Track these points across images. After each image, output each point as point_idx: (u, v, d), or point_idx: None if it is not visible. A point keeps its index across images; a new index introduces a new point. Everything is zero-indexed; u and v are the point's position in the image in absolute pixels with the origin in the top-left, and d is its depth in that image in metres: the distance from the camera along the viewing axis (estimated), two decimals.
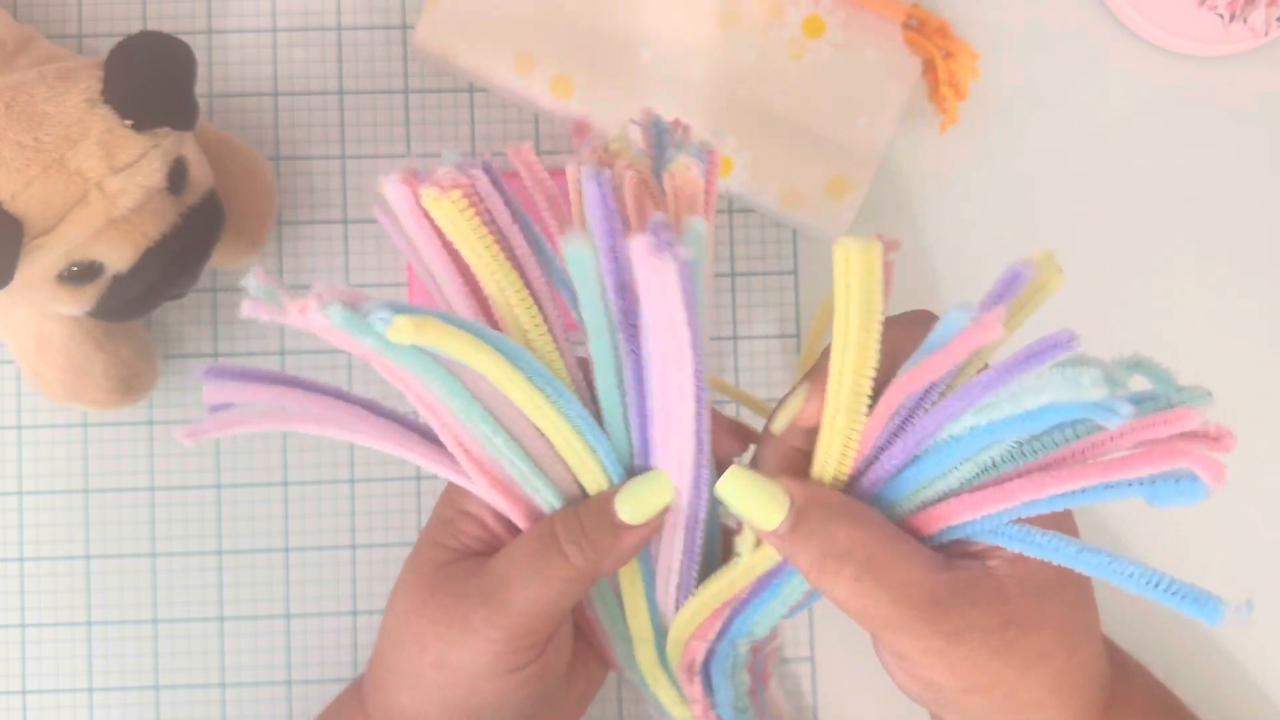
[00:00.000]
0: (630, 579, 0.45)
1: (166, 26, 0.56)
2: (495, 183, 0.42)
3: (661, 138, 0.43)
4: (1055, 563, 0.40)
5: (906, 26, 0.55)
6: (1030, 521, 0.40)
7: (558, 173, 0.56)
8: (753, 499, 0.41)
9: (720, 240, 0.57)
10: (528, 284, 0.42)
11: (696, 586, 0.45)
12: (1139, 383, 0.40)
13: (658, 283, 0.38)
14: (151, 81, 0.46)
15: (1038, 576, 0.41)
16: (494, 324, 0.42)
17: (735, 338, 0.57)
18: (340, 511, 0.56)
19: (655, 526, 0.43)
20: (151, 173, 0.46)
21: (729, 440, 0.45)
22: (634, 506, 0.42)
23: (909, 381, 0.39)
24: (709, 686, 0.48)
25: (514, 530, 0.44)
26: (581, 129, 0.44)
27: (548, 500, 0.43)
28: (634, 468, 0.43)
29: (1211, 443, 0.37)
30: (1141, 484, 0.38)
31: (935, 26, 0.55)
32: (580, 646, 0.48)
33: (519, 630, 0.42)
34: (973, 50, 0.56)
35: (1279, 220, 0.58)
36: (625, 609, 0.46)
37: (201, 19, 0.57)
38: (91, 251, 0.46)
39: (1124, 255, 0.57)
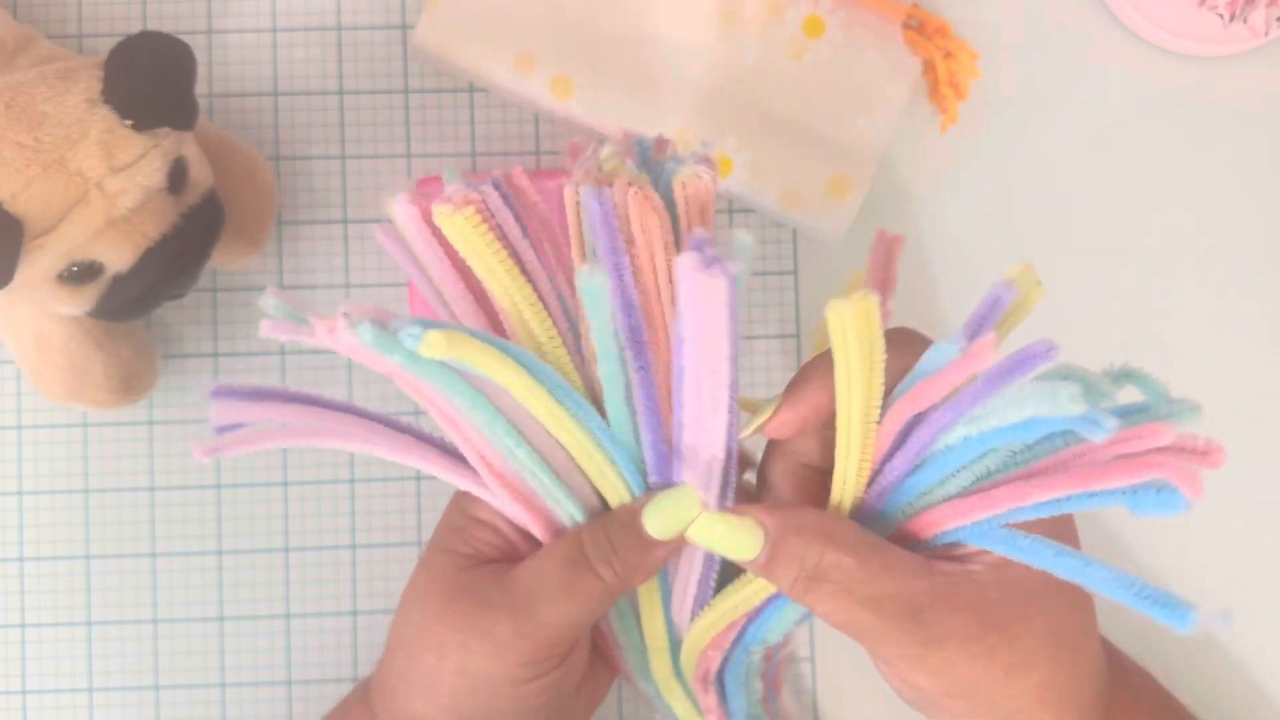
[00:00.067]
0: (648, 590, 0.46)
1: (166, 26, 0.56)
2: (505, 198, 0.42)
3: (646, 154, 0.43)
4: (1037, 567, 0.40)
5: (906, 26, 0.55)
6: (1029, 527, 0.40)
7: (558, 173, 0.56)
8: (728, 538, 0.42)
9: (719, 240, 0.57)
10: (540, 297, 0.42)
11: (712, 595, 0.45)
12: (1131, 393, 0.40)
13: (706, 298, 0.38)
14: (151, 81, 0.46)
15: (1022, 583, 0.41)
16: (505, 338, 0.42)
17: None
18: (340, 511, 0.56)
19: (683, 540, 0.43)
20: (151, 173, 0.46)
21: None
22: (662, 522, 0.42)
23: (906, 407, 0.40)
24: (723, 695, 0.48)
25: (529, 538, 0.44)
26: (576, 149, 0.44)
27: (569, 512, 0.43)
28: (651, 485, 0.43)
29: (1200, 457, 0.38)
30: (1123, 493, 0.38)
31: (935, 26, 0.55)
32: (590, 653, 0.48)
33: (545, 642, 0.43)
34: (973, 50, 0.56)
35: (1279, 220, 0.58)
36: (641, 620, 0.46)
37: (201, 19, 0.57)
38: (91, 251, 0.46)
39: (1124, 255, 0.57)
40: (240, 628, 0.56)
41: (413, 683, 0.44)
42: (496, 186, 0.42)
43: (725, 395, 0.41)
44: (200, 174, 0.49)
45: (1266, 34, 0.56)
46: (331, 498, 0.56)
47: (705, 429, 0.42)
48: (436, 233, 0.41)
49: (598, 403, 0.42)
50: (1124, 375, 0.40)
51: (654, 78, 0.54)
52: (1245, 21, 0.56)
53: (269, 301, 0.40)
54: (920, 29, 0.55)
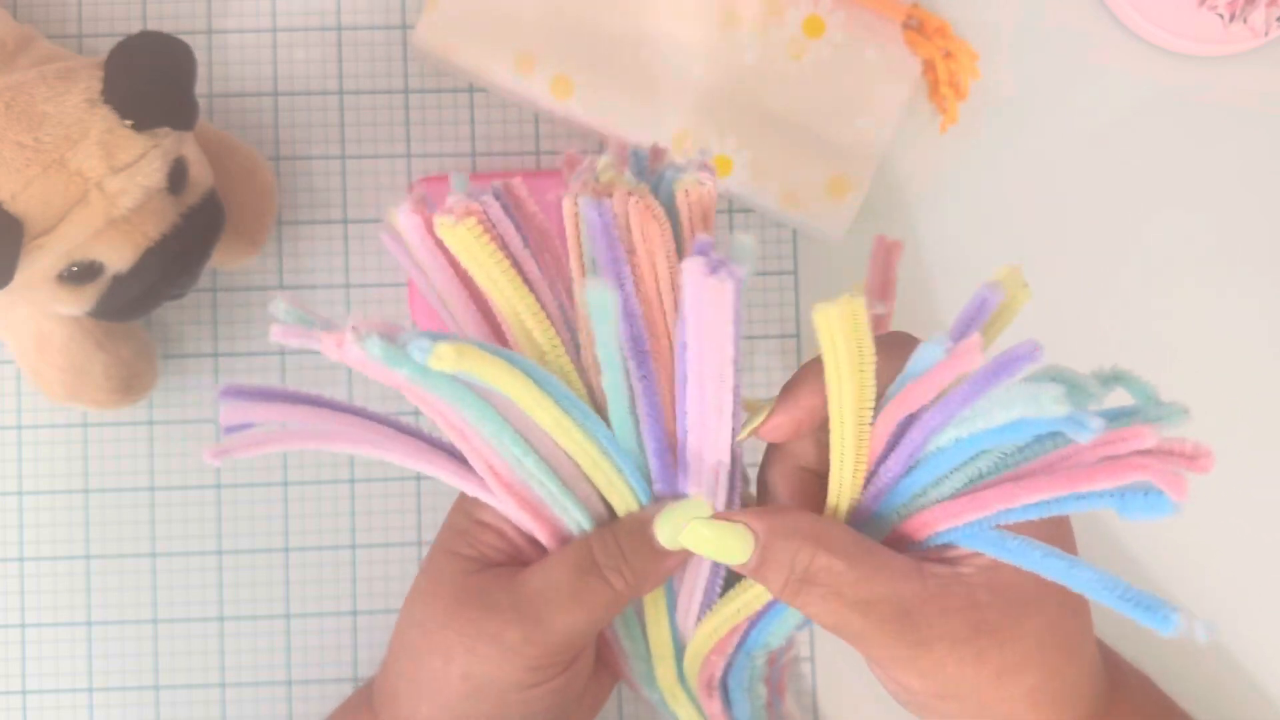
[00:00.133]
0: (653, 598, 0.46)
1: (166, 26, 0.56)
2: (506, 208, 0.42)
3: (641, 164, 0.44)
4: (1025, 568, 0.40)
5: (906, 26, 0.55)
6: (1027, 531, 0.40)
7: (557, 173, 0.56)
8: (718, 543, 0.42)
9: (719, 240, 0.57)
10: (543, 307, 0.42)
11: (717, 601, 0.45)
12: (1124, 397, 0.40)
13: (712, 303, 0.38)
14: (151, 81, 0.46)
15: (1013, 587, 0.41)
16: (507, 348, 0.43)
17: None
18: (340, 511, 0.56)
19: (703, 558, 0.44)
20: (151, 173, 0.46)
21: None
22: (674, 532, 0.43)
23: (897, 408, 0.40)
24: (727, 701, 0.48)
25: (534, 541, 0.44)
26: (572, 161, 0.44)
27: (576, 520, 0.43)
28: (655, 492, 0.44)
29: (1188, 461, 0.38)
30: (1110, 496, 0.38)
31: (935, 26, 0.55)
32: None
33: (553, 648, 0.43)
34: (972, 50, 0.56)
35: (1279, 220, 0.58)
36: (647, 627, 0.46)
37: (201, 19, 0.57)
38: (91, 251, 0.46)
39: (1123, 255, 0.57)
40: (240, 628, 0.56)
41: (418, 686, 0.44)
42: (497, 196, 0.42)
43: (730, 400, 0.41)
44: (200, 174, 0.49)
45: (1266, 34, 0.56)
46: (331, 498, 0.56)
47: (710, 435, 0.42)
48: (439, 242, 0.42)
49: (600, 410, 0.42)
50: (1113, 378, 0.40)
51: (654, 78, 0.54)
52: (1245, 21, 0.56)
53: (279, 306, 0.40)
54: (920, 29, 0.55)
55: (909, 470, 0.41)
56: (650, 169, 0.43)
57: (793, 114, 0.55)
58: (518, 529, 0.44)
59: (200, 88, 0.49)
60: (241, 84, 0.57)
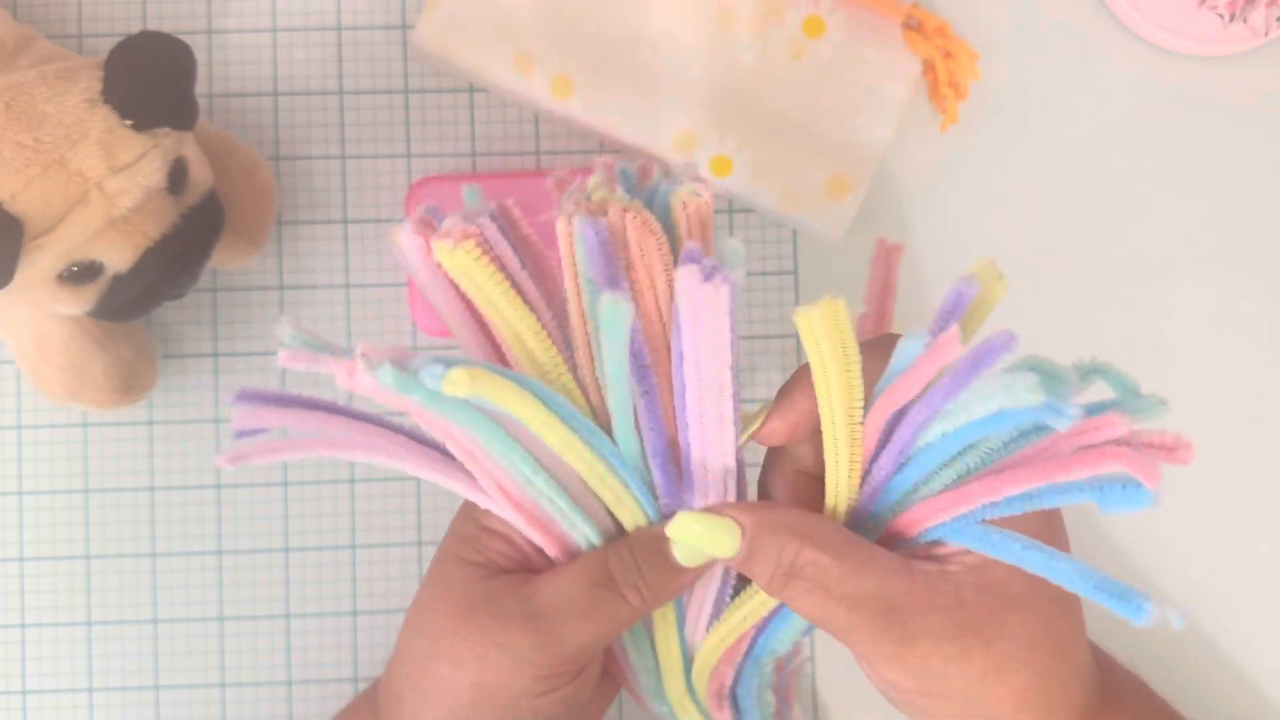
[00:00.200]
0: (662, 611, 0.46)
1: (166, 26, 0.56)
2: (503, 230, 0.42)
3: (630, 182, 0.44)
4: (1007, 561, 0.40)
5: (906, 26, 0.55)
6: (1016, 526, 0.41)
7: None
8: (706, 535, 0.42)
9: (720, 240, 0.57)
10: (543, 325, 0.42)
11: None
12: (1103, 389, 0.40)
13: (708, 310, 0.39)
14: (151, 81, 0.46)
15: (1001, 585, 0.41)
16: (508, 366, 0.43)
17: None
18: (340, 511, 0.56)
19: (709, 566, 0.44)
20: (151, 173, 0.46)
21: None
22: (691, 552, 0.43)
23: (885, 405, 0.41)
24: (737, 711, 0.48)
25: (542, 549, 0.44)
26: (561, 182, 0.44)
27: (585, 535, 0.44)
28: (661, 505, 0.44)
29: (1167, 453, 0.38)
30: (1089, 487, 0.38)
31: (935, 26, 0.55)
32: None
33: (565, 659, 0.43)
34: (972, 50, 0.56)
35: (1279, 220, 0.58)
36: (656, 640, 0.46)
37: (201, 19, 0.57)
38: (91, 251, 0.46)
39: (1124, 255, 0.57)
40: (240, 628, 0.56)
41: (424, 693, 0.44)
42: (493, 218, 0.42)
43: (731, 408, 0.41)
44: (200, 174, 0.49)
45: (1266, 34, 0.56)
46: (331, 498, 0.56)
47: (713, 444, 0.42)
48: (439, 262, 0.42)
49: (603, 426, 0.43)
50: (1093, 369, 0.40)
51: (654, 78, 0.54)
52: (1245, 21, 0.56)
53: (284, 330, 0.40)
54: (920, 29, 0.55)
55: (900, 468, 0.42)
56: (639, 186, 0.44)
57: (792, 114, 0.55)
58: (525, 537, 0.44)
59: (200, 88, 0.49)
60: (241, 84, 0.57)
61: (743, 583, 0.45)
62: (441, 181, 0.55)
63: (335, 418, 0.42)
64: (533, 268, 0.43)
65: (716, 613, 0.45)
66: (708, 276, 0.38)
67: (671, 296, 0.42)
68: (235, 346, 0.56)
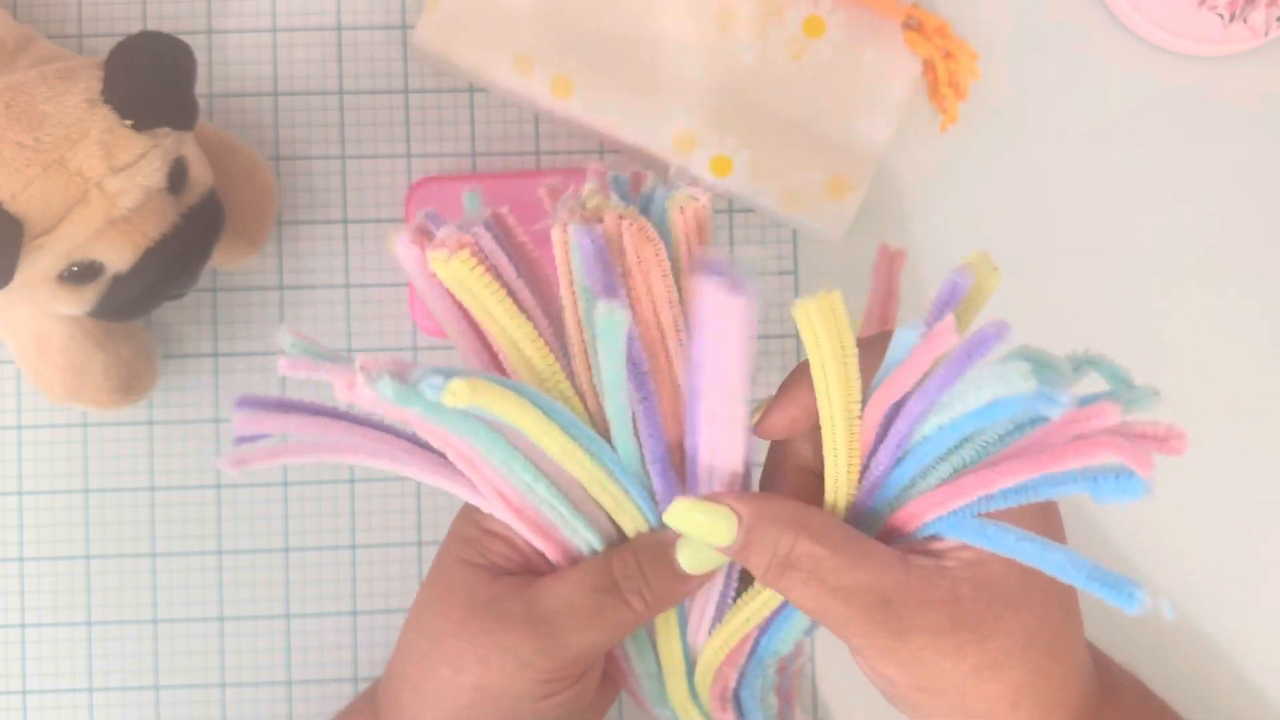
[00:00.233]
0: (665, 615, 0.46)
1: (166, 26, 0.56)
2: (497, 238, 0.42)
3: (623, 190, 0.44)
4: (1001, 553, 0.40)
5: (906, 26, 0.55)
6: (1012, 519, 0.41)
7: (557, 173, 0.56)
8: (703, 523, 0.42)
9: (720, 240, 0.57)
10: (539, 333, 0.43)
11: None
12: (1097, 381, 0.40)
13: (732, 321, 0.39)
14: (151, 81, 0.46)
15: (998, 583, 0.41)
16: (505, 374, 0.43)
17: None
18: (340, 511, 0.56)
19: (713, 573, 0.44)
20: (151, 173, 0.46)
21: None
22: (696, 560, 0.43)
23: (882, 398, 0.41)
24: (740, 713, 0.48)
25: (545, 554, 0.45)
26: (555, 192, 0.44)
27: (587, 540, 0.44)
28: (659, 511, 0.44)
29: (1159, 443, 0.38)
30: (1083, 478, 0.38)
31: (935, 26, 0.55)
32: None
33: (568, 664, 0.43)
34: (972, 50, 0.56)
35: (1279, 220, 0.58)
36: (658, 644, 0.47)
37: (201, 19, 0.57)
38: (91, 251, 0.46)
39: (1123, 255, 0.57)
40: (240, 628, 0.56)
41: (424, 694, 0.44)
42: (488, 227, 0.42)
43: (743, 412, 0.41)
44: (200, 174, 0.49)
45: (1266, 34, 0.56)
46: (331, 498, 0.56)
47: (724, 447, 0.42)
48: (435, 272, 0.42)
49: (601, 433, 0.43)
50: (1085, 361, 0.41)
51: (654, 78, 0.54)
52: (1245, 21, 0.56)
53: (285, 339, 0.40)
54: (920, 29, 0.55)
55: (897, 462, 0.42)
56: (633, 194, 0.44)
57: (793, 114, 0.55)
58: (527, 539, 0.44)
59: (200, 88, 0.49)
60: (241, 84, 0.57)
61: (744, 585, 0.45)
62: (441, 181, 0.55)
63: (337, 423, 0.42)
64: (528, 275, 0.43)
65: (719, 615, 0.45)
66: (733, 288, 0.38)
67: (670, 302, 0.42)
68: (235, 346, 0.56)
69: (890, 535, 0.43)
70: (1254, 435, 0.57)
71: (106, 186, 0.45)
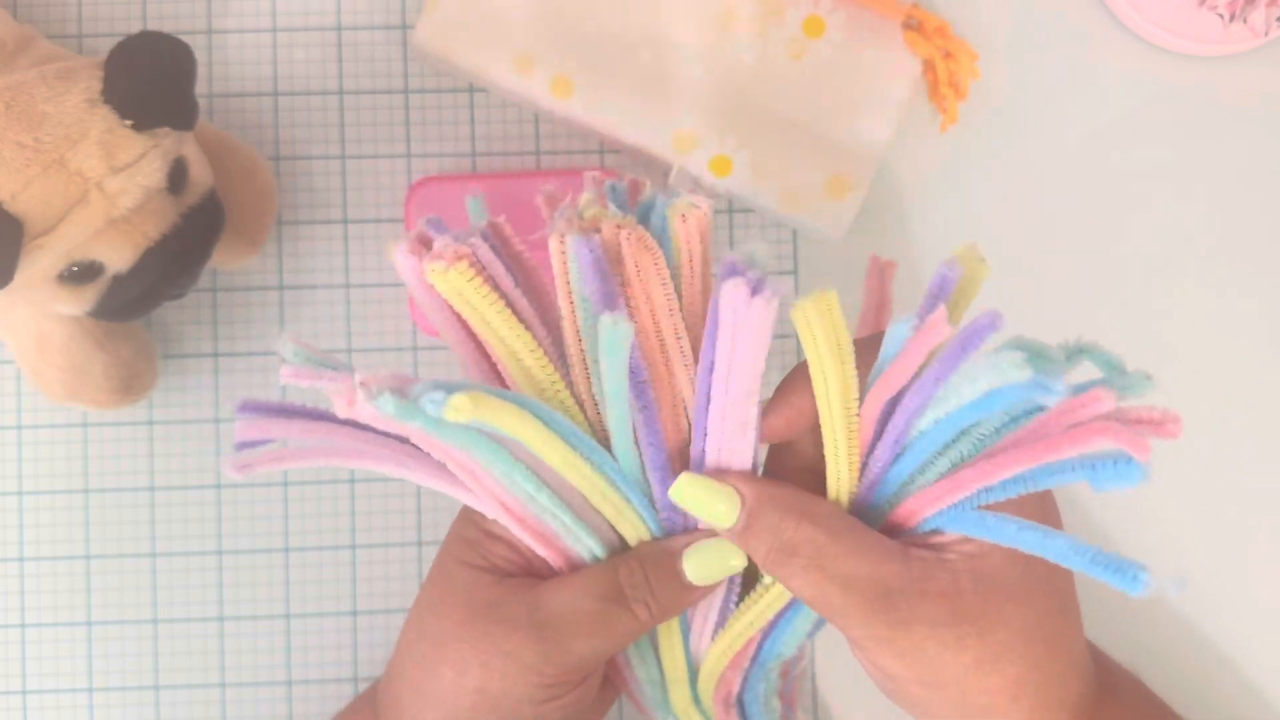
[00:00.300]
0: (667, 623, 0.46)
1: (166, 26, 0.56)
2: (495, 249, 0.42)
3: (620, 198, 0.44)
4: (1002, 543, 0.40)
5: (906, 26, 0.55)
6: (1010, 512, 0.41)
7: (557, 173, 0.56)
8: (706, 501, 0.42)
9: (720, 240, 0.57)
10: (539, 343, 0.43)
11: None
12: (1091, 369, 0.41)
13: (754, 323, 0.39)
14: (151, 81, 0.46)
15: (998, 575, 0.41)
16: (504, 385, 0.43)
17: None
18: (340, 511, 0.56)
19: (719, 584, 0.44)
20: (151, 173, 0.46)
21: None
22: (702, 571, 0.43)
23: (879, 394, 0.41)
24: (744, 718, 0.48)
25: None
26: (552, 201, 0.44)
27: (589, 548, 0.44)
28: (661, 520, 0.44)
29: (1156, 427, 0.38)
30: (1080, 466, 0.38)
31: (935, 26, 0.55)
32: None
33: (570, 669, 0.43)
34: (972, 50, 0.56)
35: (1279, 220, 0.58)
36: (661, 651, 0.47)
37: (201, 19, 0.57)
38: (91, 251, 0.46)
39: (1123, 255, 0.57)
40: (240, 628, 0.56)
41: (425, 696, 0.44)
42: (485, 237, 0.42)
43: (755, 415, 0.41)
44: (200, 174, 0.49)
45: (1266, 34, 0.56)
46: (331, 498, 0.56)
47: (733, 450, 0.42)
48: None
49: (601, 441, 0.43)
50: (1079, 349, 0.41)
51: (654, 78, 0.54)
52: (1245, 21, 0.56)
53: (286, 346, 0.41)
54: (920, 29, 0.55)
55: (896, 458, 0.42)
56: (630, 202, 0.44)
57: (793, 114, 0.55)
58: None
59: (200, 88, 0.49)
60: (241, 84, 0.57)
61: (746, 591, 0.45)
62: (441, 181, 0.55)
63: (340, 428, 0.42)
64: (526, 285, 0.43)
65: (721, 621, 0.45)
66: (755, 290, 0.38)
67: (669, 311, 0.42)
68: (235, 346, 0.56)
69: (891, 531, 0.43)
70: (1254, 435, 0.57)
71: (106, 186, 0.45)
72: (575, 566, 0.44)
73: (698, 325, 0.42)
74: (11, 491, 0.56)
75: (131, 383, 0.53)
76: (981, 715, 0.42)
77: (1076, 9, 0.58)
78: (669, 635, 0.46)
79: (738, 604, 0.45)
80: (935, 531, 0.42)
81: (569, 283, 0.42)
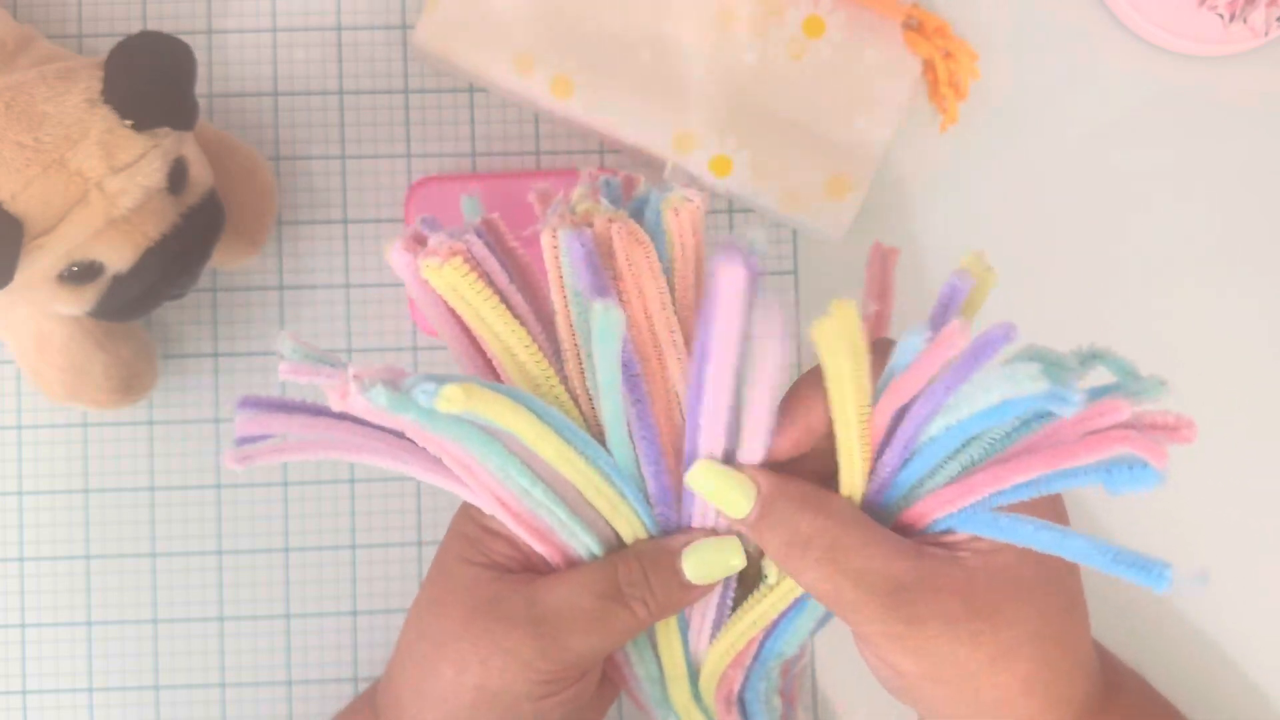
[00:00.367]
0: (665, 620, 0.46)
1: (166, 26, 0.56)
2: (489, 245, 0.42)
3: (615, 194, 0.44)
4: (1018, 543, 0.40)
5: (906, 26, 0.55)
6: (1021, 509, 0.41)
7: (557, 173, 0.56)
8: (723, 489, 0.42)
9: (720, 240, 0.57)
10: (533, 339, 0.43)
11: (729, 616, 0.45)
12: (1103, 374, 0.41)
13: (739, 303, 0.39)
14: (151, 81, 0.46)
15: (1011, 572, 0.41)
16: (500, 381, 0.43)
17: None
18: (340, 511, 0.56)
19: (718, 584, 0.44)
20: (151, 173, 0.46)
21: None
22: (702, 570, 0.43)
23: (889, 403, 0.41)
24: (745, 716, 0.48)
25: None
26: (545, 197, 0.45)
27: (586, 545, 0.44)
28: (656, 515, 0.44)
29: (1170, 432, 0.38)
30: (1095, 470, 0.39)
31: (935, 26, 0.55)
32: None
33: (568, 666, 0.43)
34: (972, 50, 0.56)
35: (1279, 220, 0.58)
36: (659, 649, 0.47)
37: (201, 19, 0.57)
38: (91, 251, 0.46)
39: (1124, 255, 0.57)
40: (240, 628, 0.56)
41: (425, 695, 0.44)
42: (480, 234, 0.42)
43: (773, 409, 0.41)
44: (200, 174, 0.49)
45: (1266, 34, 0.56)
46: (331, 498, 0.56)
47: (720, 442, 0.42)
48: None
49: (596, 437, 0.43)
50: (1091, 355, 0.41)
51: (654, 78, 0.54)
52: (1245, 21, 0.56)
53: (284, 344, 0.41)
54: (920, 29, 0.55)
55: (905, 462, 0.42)
56: (625, 198, 0.44)
57: (793, 114, 0.55)
58: None
59: (200, 88, 0.49)
60: (241, 84, 0.57)
61: (743, 590, 0.45)
62: (441, 181, 0.55)
63: (339, 423, 0.42)
64: (521, 281, 0.43)
65: (719, 619, 0.45)
66: (751, 274, 0.38)
67: (662, 304, 0.42)
68: (235, 346, 0.56)
69: (901, 532, 0.43)
70: (1254, 436, 0.57)
71: (106, 186, 0.45)
72: (573, 563, 0.44)
73: (691, 319, 0.43)
74: (11, 491, 0.56)
75: (131, 383, 0.53)
76: (993, 711, 0.42)
77: (1076, 9, 0.58)
78: (667, 633, 0.46)
79: (734, 602, 0.45)
80: (947, 531, 0.42)
81: (562, 277, 0.42)
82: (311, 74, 0.57)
